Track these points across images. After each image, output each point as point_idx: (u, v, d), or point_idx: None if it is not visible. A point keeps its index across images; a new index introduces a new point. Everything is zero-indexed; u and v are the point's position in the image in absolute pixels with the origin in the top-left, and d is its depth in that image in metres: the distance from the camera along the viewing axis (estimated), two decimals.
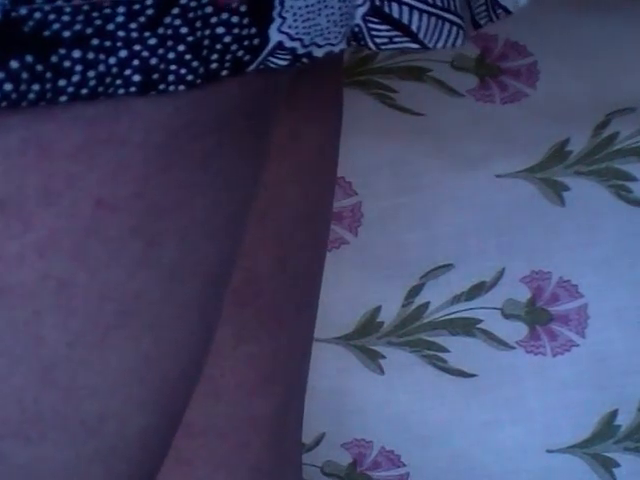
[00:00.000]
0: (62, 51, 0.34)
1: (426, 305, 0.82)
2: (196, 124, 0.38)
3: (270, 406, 0.55)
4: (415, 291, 0.81)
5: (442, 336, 0.82)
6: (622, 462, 0.82)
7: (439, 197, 0.81)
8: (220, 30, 0.36)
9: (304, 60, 0.38)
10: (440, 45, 0.41)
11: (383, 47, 0.40)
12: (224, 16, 0.36)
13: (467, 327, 0.82)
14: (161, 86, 0.35)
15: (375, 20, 0.40)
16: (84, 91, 0.34)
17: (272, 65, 0.37)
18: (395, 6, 0.40)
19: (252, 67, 0.37)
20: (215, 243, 0.41)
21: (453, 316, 0.82)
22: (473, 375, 0.82)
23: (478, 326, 0.82)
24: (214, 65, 0.36)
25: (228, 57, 0.36)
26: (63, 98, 0.34)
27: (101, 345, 0.38)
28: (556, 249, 0.81)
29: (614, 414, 0.82)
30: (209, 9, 0.36)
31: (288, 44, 0.37)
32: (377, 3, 0.39)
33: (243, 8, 0.36)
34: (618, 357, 0.81)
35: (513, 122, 0.79)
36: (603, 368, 0.81)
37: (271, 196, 0.52)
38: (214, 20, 0.36)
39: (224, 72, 0.36)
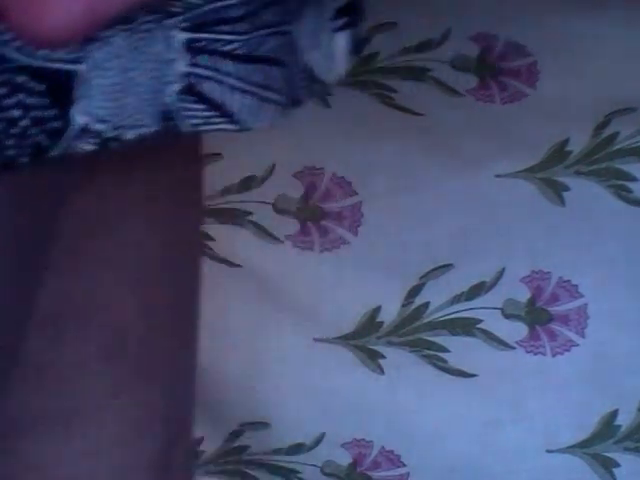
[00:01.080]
0: None
1: (426, 305, 0.81)
2: None
3: (153, 448, 0.54)
4: (415, 291, 0.81)
5: (442, 336, 0.82)
6: (622, 462, 0.82)
7: (439, 197, 0.81)
8: (16, 113, 0.33)
9: (113, 144, 0.35)
10: (261, 125, 0.38)
11: (200, 128, 0.37)
12: (20, 96, 0.32)
13: (467, 327, 0.82)
14: None
15: (190, 99, 0.36)
16: None
17: (78, 150, 0.34)
18: (213, 85, 0.37)
19: (55, 152, 0.33)
20: None
21: (453, 316, 0.81)
22: (473, 375, 0.82)
23: (478, 326, 0.81)
24: (11, 152, 0.33)
25: (28, 142, 0.33)
26: None
27: None
28: (556, 249, 0.81)
29: (614, 414, 0.82)
30: (3, 90, 0.32)
31: (94, 127, 0.34)
32: (192, 81, 0.36)
33: (41, 87, 0.33)
34: (618, 357, 0.81)
35: (513, 122, 0.79)
36: (603, 368, 0.81)
37: (128, 250, 0.50)
38: (9, 102, 0.32)
39: (23, 159, 0.33)
